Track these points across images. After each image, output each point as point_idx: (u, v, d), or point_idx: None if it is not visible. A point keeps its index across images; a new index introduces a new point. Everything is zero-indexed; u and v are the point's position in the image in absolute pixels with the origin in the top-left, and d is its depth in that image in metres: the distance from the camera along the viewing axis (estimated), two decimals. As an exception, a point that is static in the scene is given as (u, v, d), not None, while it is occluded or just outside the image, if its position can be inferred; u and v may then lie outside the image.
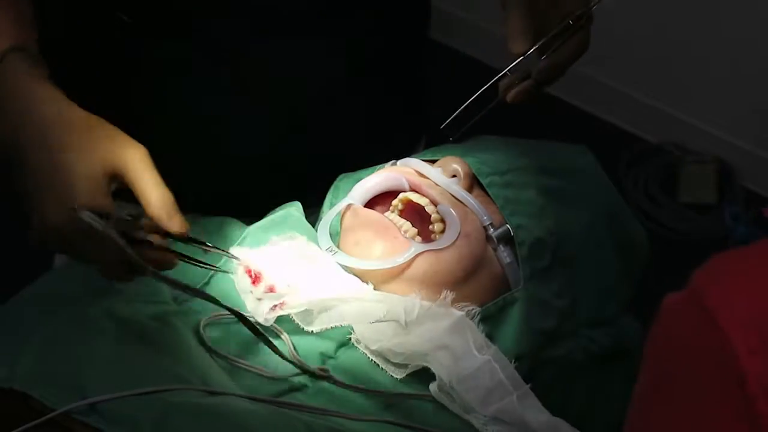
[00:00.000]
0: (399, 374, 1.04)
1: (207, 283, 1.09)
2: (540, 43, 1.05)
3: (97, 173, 0.92)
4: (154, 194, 0.93)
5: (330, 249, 1.10)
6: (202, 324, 1.03)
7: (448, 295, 1.05)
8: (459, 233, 1.08)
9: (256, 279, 1.05)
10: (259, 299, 1.04)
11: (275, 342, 1.04)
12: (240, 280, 1.06)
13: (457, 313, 1.04)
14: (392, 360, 1.04)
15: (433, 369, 1.02)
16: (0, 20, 0.96)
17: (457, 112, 1.07)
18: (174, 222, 0.94)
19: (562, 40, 1.06)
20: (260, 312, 1.04)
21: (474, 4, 2.51)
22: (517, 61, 1.06)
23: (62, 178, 0.91)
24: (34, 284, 1.06)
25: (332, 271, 1.07)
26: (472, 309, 1.06)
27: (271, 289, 1.04)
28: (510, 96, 1.08)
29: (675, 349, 0.62)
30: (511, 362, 1.04)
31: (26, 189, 0.93)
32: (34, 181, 0.92)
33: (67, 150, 0.92)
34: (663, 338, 0.63)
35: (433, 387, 1.02)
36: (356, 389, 1.02)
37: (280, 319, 1.06)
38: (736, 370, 0.57)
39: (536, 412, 1.01)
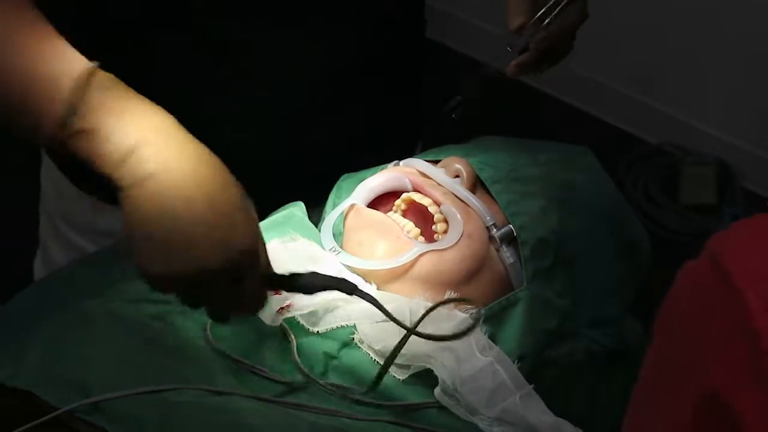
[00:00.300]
0: (402, 375, 1.04)
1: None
2: (537, 15, 1.06)
3: (252, 211, 0.88)
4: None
5: (333, 249, 1.10)
6: (209, 325, 1.04)
7: (453, 297, 1.05)
8: (462, 233, 1.08)
9: None
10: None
11: (280, 344, 1.05)
12: None
13: (461, 315, 1.04)
14: (395, 361, 1.04)
15: (436, 371, 1.02)
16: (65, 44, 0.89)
17: (460, 97, 1.07)
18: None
19: (558, 9, 1.07)
20: (267, 314, 1.04)
21: (474, 5, 2.52)
22: (517, 36, 1.07)
23: (223, 216, 0.84)
24: (37, 284, 1.06)
25: (336, 272, 1.08)
26: (476, 311, 1.06)
27: (276, 292, 1.04)
28: (510, 69, 1.09)
29: (688, 310, 0.62)
30: (514, 362, 1.04)
31: (160, 222, 0.83)
32: (178, 217, 0.82)
33: (215, 182, 0.85)
34: (676, 301, 0.64)
35: (437, 391, 1.02)
36: (362, 403, 1.01)
37: (286, 319, 1.06)
38: (749, 327, 0.57)
39: (540, 413, 1.01)
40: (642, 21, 2.28)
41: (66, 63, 0.86)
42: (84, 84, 0.84)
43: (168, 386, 0.92)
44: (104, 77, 0.87)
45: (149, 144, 0.84)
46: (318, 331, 1.05)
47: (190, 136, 0.88)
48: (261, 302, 0.94)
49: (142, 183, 0.83)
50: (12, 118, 0.87)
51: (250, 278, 0.88)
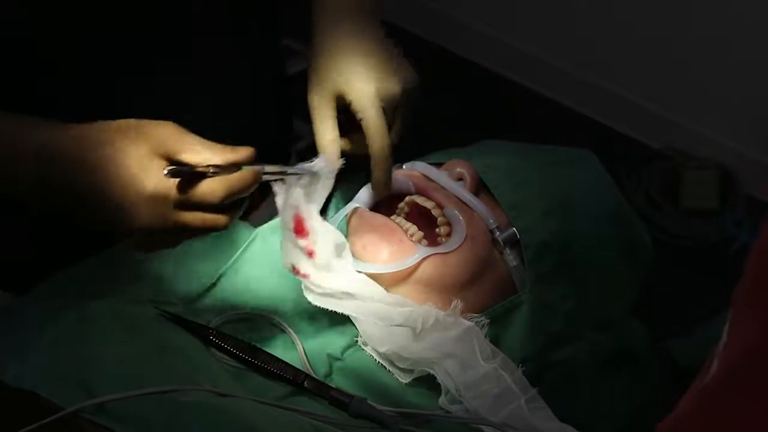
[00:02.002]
0: (405, 378, 1.04)
1: (215, 285, 1.09)
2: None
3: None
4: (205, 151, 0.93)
5: None
6: (212, 324, 1.04)
7: (459, 305, 1.05)
8: (465, 237, 1.08)
9: (300, 231, 1.04)
10: (294, 248, 1.04)
11: (283, 346, 1.05)
12: (285, 219, 1.04)
13: (466, 323, 1.04)
14: (399, 365, 1.05)
15: (439, 379, 1.02)
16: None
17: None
18: (235, 154, 0.94)
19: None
20: (289, 259, 1.03)
21: (483, 15, 2.52)
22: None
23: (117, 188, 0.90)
24: (43, 284, 1.06)
25: (351, 270, 1.08)
26: (481, 320, 1.06)
27: (310, 254, 1.04)
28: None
29: None
30: (518, 366, 1.04)
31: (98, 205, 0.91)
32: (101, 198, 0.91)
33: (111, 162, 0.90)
34: None
35: (441, 399, 1.03)
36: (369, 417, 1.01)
37: (289, 322, 1.06)
38: None
39: (545, 419, 1.01)
40: (644, 25, 2.29)
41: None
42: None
43: (174, 387, 0.92)
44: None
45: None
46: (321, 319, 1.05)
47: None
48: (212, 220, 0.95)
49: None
50: None
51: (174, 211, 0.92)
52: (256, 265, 1.11)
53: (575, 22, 2.26)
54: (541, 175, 1.17)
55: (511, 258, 1.11)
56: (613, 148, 2.27)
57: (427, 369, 1.03)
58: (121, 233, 0.94)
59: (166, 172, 0.90)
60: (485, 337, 1.05)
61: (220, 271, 1.10)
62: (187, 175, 0.91)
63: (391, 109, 1.08)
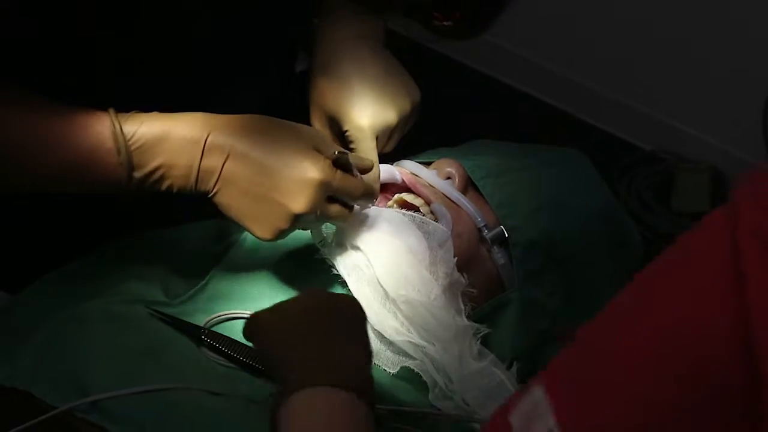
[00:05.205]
0: (392, 368, 1.04)
1: (205, 285, 1.10)
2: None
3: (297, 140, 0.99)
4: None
5: (322, 243, 1.10)
6: (203, 323, 1.04)
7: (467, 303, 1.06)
8: (451, 232, 1.09)
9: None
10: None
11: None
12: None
13: (466, 322, 1.05)
14: (391, 337, 1.03)
15: (424, 376, 1.02)
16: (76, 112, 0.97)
17: None
18: (362, 161, 1.05)
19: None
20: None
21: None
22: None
23: (277, 178, 0.97)
24: (35, 284, 1.07)
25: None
26: (480, 329, 1.06)
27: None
28: None
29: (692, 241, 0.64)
30: (509, 364, 1.05)
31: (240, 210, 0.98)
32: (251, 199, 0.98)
33: (262, 158, 0.97)
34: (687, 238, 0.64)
35: (431, 396, 1.03)
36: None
37: None
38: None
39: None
40: (635, 28, 2.29)
41: (93, 127, 0.95)
42: (122, 142, 0.95)
43: (167, 385, 0.93)
44: (125, 119, 0.96)
45: (204, 157, 0.97)
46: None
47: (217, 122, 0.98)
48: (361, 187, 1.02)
49: (217, 192, 0.98)
50: (84, 190, 0.99)
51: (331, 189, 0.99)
52: (246, 264, 1.11)
53: (568, 24, 2.26)
54: (530, 174, 1.18)
55: (499, 256, 1.11)
56: (605, 150, 2.27)
57: (410, 364, 1.03)
58: (261, 217, 0.98)
59: (336, 153, 0.99)
60: (477, 340, 1.05)
61: (211, 271, 1.10)
62: (345, 165, 1.00)
63: (385, 136, 1.11)
